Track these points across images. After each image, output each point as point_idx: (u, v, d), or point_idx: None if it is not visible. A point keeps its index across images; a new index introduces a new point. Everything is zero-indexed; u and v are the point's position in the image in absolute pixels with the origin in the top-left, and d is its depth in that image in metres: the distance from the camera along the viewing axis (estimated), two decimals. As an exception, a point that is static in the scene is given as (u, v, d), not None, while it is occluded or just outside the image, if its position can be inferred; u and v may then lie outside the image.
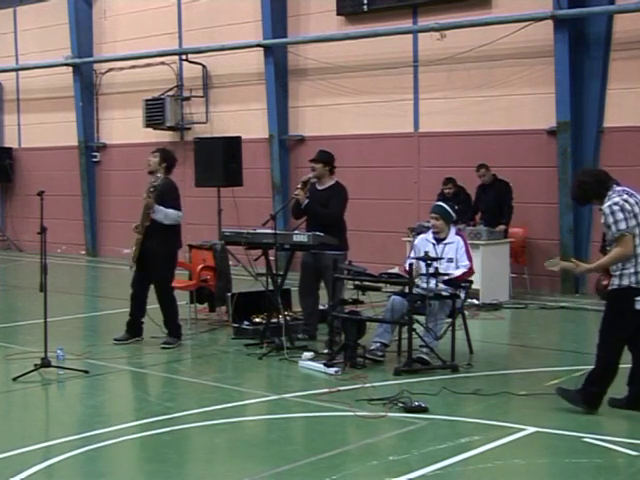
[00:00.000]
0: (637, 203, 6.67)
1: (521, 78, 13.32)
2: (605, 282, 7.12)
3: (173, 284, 9.98)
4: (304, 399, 7.26)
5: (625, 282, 6.60)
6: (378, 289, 8.72)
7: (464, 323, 8.87)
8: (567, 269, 7.27)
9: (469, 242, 9.15)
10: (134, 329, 9.63)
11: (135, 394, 7.87)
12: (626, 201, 6.61)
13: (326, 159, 9.59)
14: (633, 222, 6.57)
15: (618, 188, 6.74)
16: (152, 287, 9.50)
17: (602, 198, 6.69)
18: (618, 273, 6.64)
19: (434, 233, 8.88)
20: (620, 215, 6.53)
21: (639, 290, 6.58)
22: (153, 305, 9.60)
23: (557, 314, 11.59)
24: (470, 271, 8.69)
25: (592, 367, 6.83)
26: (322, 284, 9.59)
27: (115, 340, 9.52)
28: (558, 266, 7.00)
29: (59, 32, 18.83)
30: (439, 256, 8.60)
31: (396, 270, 10.13)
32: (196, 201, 16.87)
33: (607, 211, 6.59)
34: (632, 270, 6.58)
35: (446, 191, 13.14)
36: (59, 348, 8.49)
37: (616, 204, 6.57)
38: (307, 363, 8.40)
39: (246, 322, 9.95)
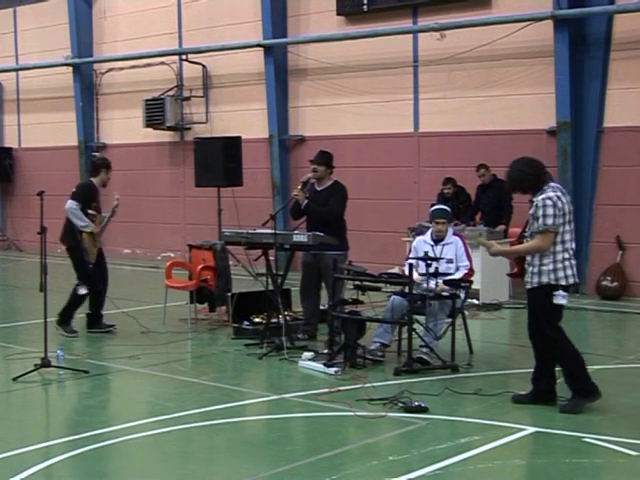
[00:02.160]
0: (568, 203, 6.84)
1: (521, 78, 13.32)
2: (516, 270, 7.23)
3: (173, 284, 10.72)
4: (304, 399, 7.26)
5: (544, 280, 6.75)
6: (378, 289, 8.72)
7: (464, 323, 8.87)
8: (484, 245, 7.42)
9: (469, 242, 9.14)
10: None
11: (135, 394, 7.86)
12: (559, 198, 6.76)
13: (328, 161, 9.59)
14: (560, 220, 6.72)
15: (553, 184, 6.88)
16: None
17: (537, 191, 6.84)
18: (536, 270, 6.77)
19: (437, 236, 8.86)
20: (550, 211, 6.69)
21: (557, 286, 6.73)
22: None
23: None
24: (470, 271, 8.70)
25: (562, 370, 6.96)
26: (323, 284, 9.60)
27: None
28: (476, 241, 7.16)
29: (59, 32, 18.83)
30: (439, 257, 8.60)
31: (396, 270, 10.15)
32: (196, 201, 16.90)
33: (540, 204, 6.72)
34: (551, 267, 6.73)
35: (446, 191, 13.15)
36: (59, 348, 8.50)
37: (550, 199, 6.72)
38: (307, 363, 8.40)
39: (246, 322, 9.95)
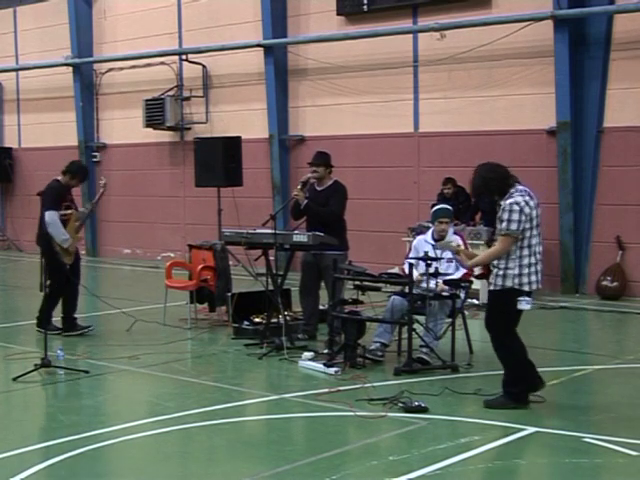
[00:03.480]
0: (536, 207, 6.81)
1: (521, 78, 13.32)
2: (483, 271, 7.22)
3: (173, 284, 10.69)
4: (304, 399, 7.26)
5: (508, 283, 6.72)
6: (378, 289, 8.72)
7: (464, 323, 8.87)
8: (450, 250, 7.47)
9: (469, 242, 9.14)
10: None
11: (135, 394, 7.86)
12: (527, 203, 6.73)
13: (327, 161, 9.60)
14: (527, 225, 6.70)
15: (520, 187, 6.85)
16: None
17: (504, 195, 6.82)
18: (501, 273, 6.74)
19: (440, 236, 8.85)
20: (516, 216, 6.66)
21: (522, 291, 6.71)
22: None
23: (557, 314, 11.59)
24: (470, 271, 8.68)
25: (503, 371, 6.96)
26: (323, 284, 9.60)
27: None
28: (447, 248, 7.17)
29: (59, 32, 18.83)
30: (439, 256, 8.60)
31: (396, 270, 10.13)
32: (196, 201, 16.90)
33: (507, 207, 6.70)
34: (516, 272, 6.70)
35: (446, 191, 13.14)
36: (59, 348, 8.50)
37: (517, 204, 6.69)
38: (307, 363, 8.40)
39: (246, 322, 9.95)
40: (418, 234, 9.86)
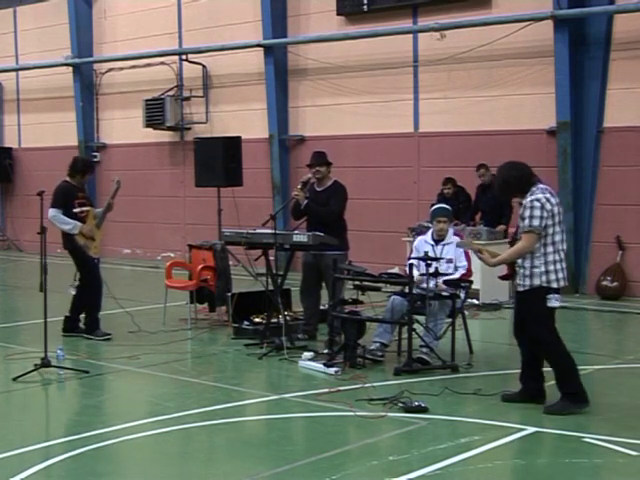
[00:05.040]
0: (558, 204, 6.79)
1: (521, 78, 13.33)
2: (506, 272, 7.18)
3: (173, 284, 10.69)
4: (304, 399, 7.26)
5: (536, 282, 6.70)
6: (378, 289, 8.72)
7: (464, 323, 8.87)
8: (472, 249, 7.32)
9: (464, 248, 9.12)
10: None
11: (135, 394, 7.86)
12: (548, 200, 6.72)
13: (326, 160, 9.61)
14: (549, 222, 6.68)
15: (541, 185, 6.84)
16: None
17: (525, 193, 6.80)
18: (528, 273, 6.73)
19: (439, 235, 8.86)
20: (537, 212, 6.65)
21: (550, 289, 6.70)
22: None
23: (557, 314, 11.53)
24: (468, 272, 8.69)
25: (553, 372, 6.91)
26: (324, 284, 9.60)
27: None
28: (468, 247, 7.09)
29: (59, 32, 18.83)
30: (439, 256, 8.60)
31: (396, 270, 10.14)
32: (196, 201, 16.90)
33: (528, 205, 6.70)
34: (543, 269, 6.69)
35: (446, 191, 13.14)
36: (59, 348, 8.49)
37: (538, 200, 6.68)
38: (307, 363, 8.40)
39: (246, 322, 9.95)
40: (418, 234, 9.87)
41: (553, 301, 6.74)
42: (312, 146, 14.01)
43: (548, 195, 6.76)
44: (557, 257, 6.74)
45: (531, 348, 6.94)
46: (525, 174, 6.87)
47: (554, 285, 6.72)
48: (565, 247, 6.87)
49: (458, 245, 8.32)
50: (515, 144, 13.33)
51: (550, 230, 6.71)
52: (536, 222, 6.64)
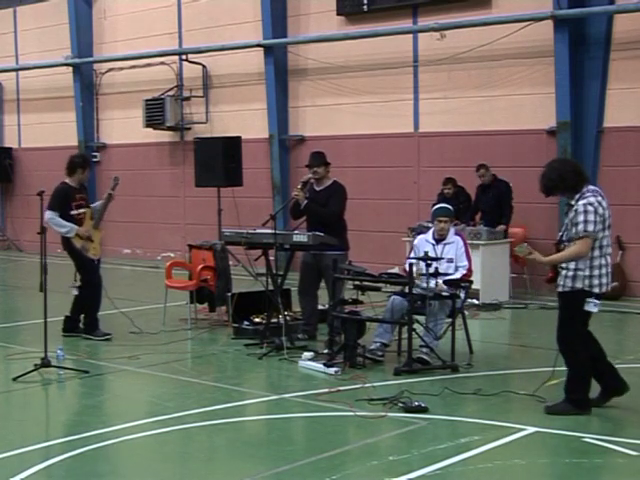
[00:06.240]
0: (607, 208, 6.69)
1: (521, 78, 13.32)
2: (550, 275, 7.08)
3: (173, 284, 10.75)
4: (304, 399, 7.26)
5: (579, 285, 6.60)
6: (378, 289, 8.72)
7: (464, 323, 8.87)
8: (524, 255, 7.07)
9: (469, 242, 9.14)
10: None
11: (135, 394, 7.86)
12: (600, 203, 6.61)
13: (325, 160, 9.61)
14: (600, 226, 6.58)
15: (592, 187, 6.74)
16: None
17: (575, 193, 6.67)
18: (571, 274, 6.63)
19: (440, 235, 8.85)
20: (592, 217, 6.53)
21: (591, 293, 6.60)
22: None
23: (557, 314, 11.54)
24: (469, 272, 8.69)
25: (566, 374, 6.83)
26: (323, 284, 9.60)
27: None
28: (526, 254, 6.92)
29: (59, 32, 18.84)
30: (439, 256, 8.60)
31: (396, 270, 10.14)
32: (196, 201, 16.90)
33: (581, 209, 6.56)
34: (587, 273, 6.59)
35: (446, 191, 13.14)
36: (59, 348, 8.49)
37: (591, 204, 6.56)
38: (307, 363, 8.39)
39: (246, 322, 9.95)
40: (418, 234, 9.86)
41: (592, 306, 6.61)
42: (312, 146, 14.01)
43: (600, 198, 6.63)
44: (603, 261, 6.63)
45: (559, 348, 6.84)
46: (579, 171, 6.74)
47: (596, 290, 6.60)
48: (611, 251, 6.75)
49: (516, 252, 7.94)
50: (515, 144, 13.34)
51: (600, 234, 6.59)
52: (591, 227, 6.51)
